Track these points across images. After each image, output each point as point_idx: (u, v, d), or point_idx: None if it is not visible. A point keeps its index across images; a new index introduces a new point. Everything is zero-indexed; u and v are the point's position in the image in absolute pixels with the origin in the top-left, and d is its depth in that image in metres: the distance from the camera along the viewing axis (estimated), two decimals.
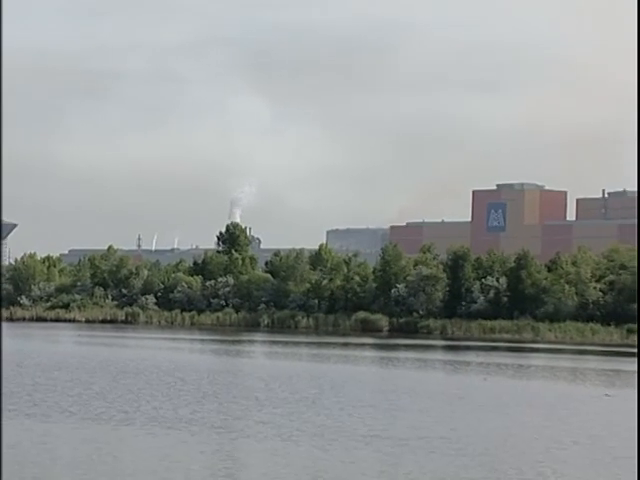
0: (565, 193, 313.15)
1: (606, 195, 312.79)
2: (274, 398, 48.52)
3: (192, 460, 30.59)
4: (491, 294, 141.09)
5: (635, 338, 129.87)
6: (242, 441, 34.83)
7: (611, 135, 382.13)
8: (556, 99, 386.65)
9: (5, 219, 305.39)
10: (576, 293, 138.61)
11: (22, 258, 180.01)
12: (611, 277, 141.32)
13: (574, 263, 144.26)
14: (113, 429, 36.39)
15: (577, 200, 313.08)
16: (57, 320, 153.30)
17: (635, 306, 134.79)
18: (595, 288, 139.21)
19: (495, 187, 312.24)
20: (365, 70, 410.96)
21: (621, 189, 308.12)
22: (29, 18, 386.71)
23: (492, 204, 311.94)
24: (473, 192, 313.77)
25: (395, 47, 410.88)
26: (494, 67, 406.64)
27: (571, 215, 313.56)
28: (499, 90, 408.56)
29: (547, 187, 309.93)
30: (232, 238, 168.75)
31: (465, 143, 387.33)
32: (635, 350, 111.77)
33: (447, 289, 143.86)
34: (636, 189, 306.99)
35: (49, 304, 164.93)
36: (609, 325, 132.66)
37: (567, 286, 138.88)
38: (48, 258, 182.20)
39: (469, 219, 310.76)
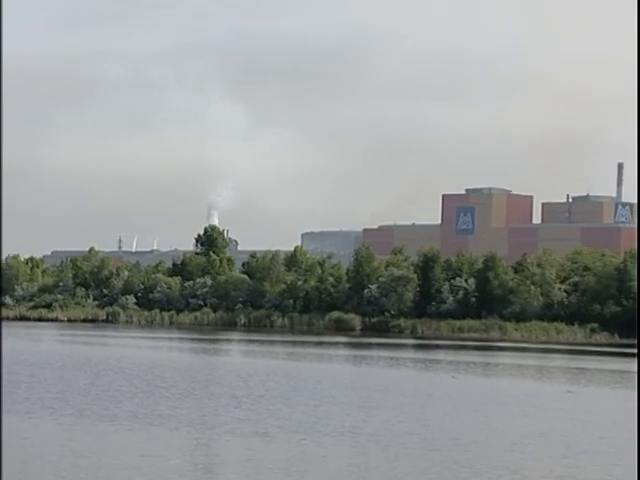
0: (531, 197, 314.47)
1: (570, 199, 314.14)
2: (251, 395, 48.44)
3: (171, 455, 30.55)
4: (460, 294, 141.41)
5: (598, 337, 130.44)
6: (220, 437, 34.78)
7: (575, 142, 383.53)
8: (523, 107, 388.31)
9: None
10: (541, 294, 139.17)
11: (6, 259, 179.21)
12: (575, 278, 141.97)
13: (539, 265, 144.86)
14: (94, 425, 36.21)
15: (542, 204, 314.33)
16: (40, 319, 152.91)
17: (598, 306, 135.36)
18: (559, 289, 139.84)
19: (464, 191, 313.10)
20: (341, 78, 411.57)
21: (584, 194, 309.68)
22: (12, 26, 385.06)
23: (461, 208, 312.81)
24: (443, 196, 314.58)
25: (371, 56, 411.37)
26: (465, 76, 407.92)
27: (537, 218, 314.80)
28: (469, 98, 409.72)
29: (514, 192, 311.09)
30: (210, 240, 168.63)
31: (436, 149, 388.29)
32: (599, 349, 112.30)
33: (417, 290, 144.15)
34: (599, 194, 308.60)
35: (32, 304, 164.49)
36: (573, 325, 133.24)
37: (533, 287, 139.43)
38: (31, 259, 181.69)
39: (439, 222, 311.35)
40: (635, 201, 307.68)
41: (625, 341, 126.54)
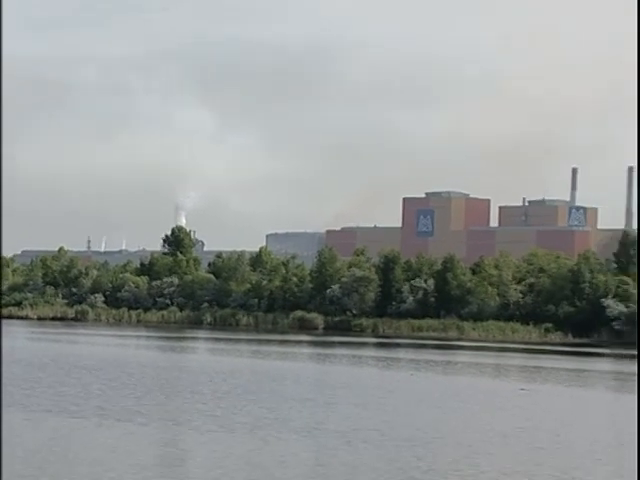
0: (488, 201, 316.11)
1: (526, 203, 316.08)
2: (217, 392, 48.30)
3: (139, 450, 30.35)
4: (419, 295, 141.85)
5: (552, 337, 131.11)
6: (187, 432, 34.62)
7: (532, 147, 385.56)
8: (483, 113, 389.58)
9: None
10: (498, 294, 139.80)
11: None
12: (530, 280, 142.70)
13: (496, 266, 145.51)
14: (64, 421, 35.96)
15: (499, 208, 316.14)
16: (10, 317, 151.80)
17: (552, 307, 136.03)
18: (515, 290, 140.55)
19: (424, 195, 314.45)
20: (307, 84, 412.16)
21: (540, 198, 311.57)
22: None
23: (421, 211, 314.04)
24: (403, 199, 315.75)
25: (336, 63, 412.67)
26: (427, 83, 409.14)
27: (494, 221, 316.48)
28: (431, 105, 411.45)
29: (472, 195, 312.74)
30: (177, 241, 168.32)
31: (397, 153, 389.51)
32: (553, 348, 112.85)
33: (378, 290, 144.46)
34: (554, 198, 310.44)
35: (2, 302, 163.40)
36: (528, 324, 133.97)
37: (490, 288, 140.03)
38: (1, 258, 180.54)
39: (399, 225, 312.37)
40: (589, 205, 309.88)
41: (578, 340, 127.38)
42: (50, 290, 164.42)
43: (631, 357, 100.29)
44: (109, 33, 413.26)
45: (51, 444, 30.86)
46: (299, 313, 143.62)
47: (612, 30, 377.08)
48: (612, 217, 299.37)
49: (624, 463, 31.38)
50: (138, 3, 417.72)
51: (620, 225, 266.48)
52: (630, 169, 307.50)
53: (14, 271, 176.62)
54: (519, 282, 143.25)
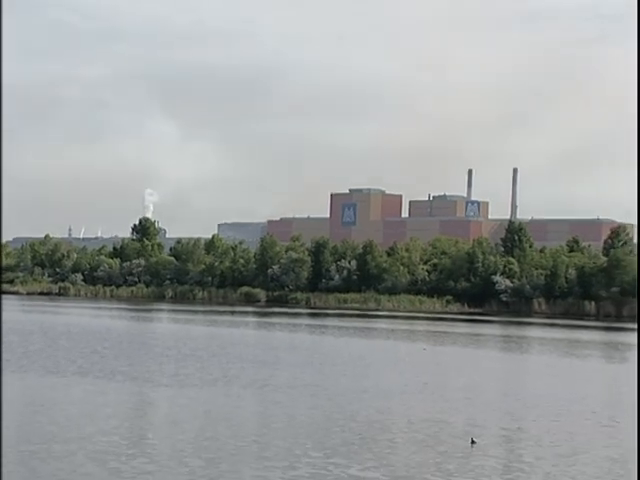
0: (401, 196, 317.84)
1: (431, 198, 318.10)
2: (178, 355, 48.13)
3: (112, 403, 30.16)
4: (344, 273, 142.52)
5: (452, 307, 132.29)
6: (153, 389, 34.42)
7: (436, 153, 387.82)
8: (398, 125, 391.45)
9: None
10: (408, 272, 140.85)
11: None
12: (434, 260, 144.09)
13: (407, 250, 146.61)
14: (48, 380, 35.57)
15: (409, 202, 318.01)
16: (3, 293, 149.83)
17: (452, 283, 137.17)
18: (422, 269, 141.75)
19: (348, 191, 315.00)
20: (253, 100, 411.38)
21: (442, 194, 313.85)
22: None
23: (346, 204, 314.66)
24: (331, 195, 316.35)
25: (275, 81, 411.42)
26: (350, 100, 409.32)
27: (405, 213, 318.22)
28: (354, 117, 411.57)
29: (387, 192, 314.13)
30: (144, 229, 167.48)
31: (327, 158, 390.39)
32: (452, 316, 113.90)
33: (311, 269, 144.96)
34: (453, 194, 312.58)
35: None
36: (433, 297, 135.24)
37: (401, 267, 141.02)
38: (1, 246, 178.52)
39: (328, 216, 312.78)
40: (482, 200, 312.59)
41: (473, 310, 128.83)
42: (38, 270, 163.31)
43: (516, 323, 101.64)
44: (90, 58, 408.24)
45: (39, 400, 30.53)
46: (245, 289, 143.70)
47: (502, 62, 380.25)
48: (500, 209, 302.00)
49: (494, 399, 31.77)
50: (114, 33, 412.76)
51: (506, 216, 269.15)
52: (514, 170, 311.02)
53: (7, 254, 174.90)
54: (425, 263, 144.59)
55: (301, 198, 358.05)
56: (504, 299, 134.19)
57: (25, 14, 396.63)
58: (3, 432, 23.46)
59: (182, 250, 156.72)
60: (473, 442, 24.31)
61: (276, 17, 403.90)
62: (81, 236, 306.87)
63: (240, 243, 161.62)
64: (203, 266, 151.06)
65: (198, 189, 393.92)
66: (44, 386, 33.75)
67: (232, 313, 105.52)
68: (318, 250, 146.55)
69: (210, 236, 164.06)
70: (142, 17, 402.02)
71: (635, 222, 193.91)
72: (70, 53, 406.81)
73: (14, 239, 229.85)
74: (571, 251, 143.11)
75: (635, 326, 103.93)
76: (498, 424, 28.19)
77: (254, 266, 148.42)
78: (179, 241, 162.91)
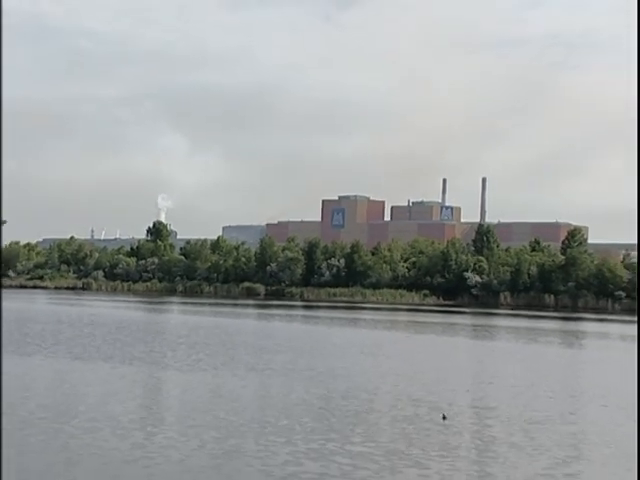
0: (384, 202, 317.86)
1: (410, 204, 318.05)
2: (189, 342, 48.21)
3: (131, 386, 30.26)
4: (334, 270, 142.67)
5: (429, 300, 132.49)
6: (167, 372, 34.50)
7: (415, 163, 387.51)
8: (380, 139, 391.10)
9: None
10: (390, 269, 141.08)
11: (9, 244, 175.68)
12: (413, 259, 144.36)
13: (389, 249, 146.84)
14: (75, 365, 35.65)
15: (391, 207, 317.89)
16: (34, 287, 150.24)
17: (428, 278, 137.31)
18: (403, 266, 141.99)
19: (337, 198, 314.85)
20: (255, 116, 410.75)
21: (420, 200, 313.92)
22: (13, 76, 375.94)
23: (335, 209, 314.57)
24: (322, 201, 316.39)
25: (273, 100, 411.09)
26: (343, 115, 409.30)
27: (387, 217, 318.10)
28: (343, 132, 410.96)
29: (372, 198, 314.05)
30: (157, 231, 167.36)
31: (320, 168, 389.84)
32: (429, 308, 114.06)
33: (304, 267, 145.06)
34: (430, 200, 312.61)
35: (29, 276, 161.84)
36: (412, 291, 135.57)
37: (384, 265, 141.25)
38: (28, 244, 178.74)
39: (319, 219, 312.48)
40: (455, 205, 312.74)
41: (447, 302, 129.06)
42: (64, 267, 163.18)
43: (484, 314, 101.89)
44: (105, 79, 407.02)
45: (64, 381, 30.63)
46: (247, 284, 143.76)
47: (474, 83, 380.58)
48: (471, 214, 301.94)
49: (465, 380, 31.95)
50: (126, 57, 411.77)
51: (476, 219, 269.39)
52: (483, 179, 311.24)
53: (37, 253, 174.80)
54: (405, 261, 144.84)
55: (296, 204, 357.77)
56: (474, 293, 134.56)
57: (48, 41, 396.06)
58: (38, 411, 23.55)
59: (191, 250, 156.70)
60: (444, 418, 24.57)
61: (272, 42, 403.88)
62: (102, 237, 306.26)
63: (242, 244, 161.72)
64: (209, 264, 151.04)
65: (205, 195, 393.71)
66: (72, 370, 33.83)
67: (235, 305, 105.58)
68: (311, 250, 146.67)
69: (216, 237, 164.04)
70: (151, 42, 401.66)
71: (589, 225, 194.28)
72: (88, 75, 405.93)
73: (43, 240, 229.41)
74: (533, 250, 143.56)
75: (590, 316, 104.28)
76: (467, 402, 28.38)
77: (254, 264, 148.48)
78: (188, 242, 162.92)
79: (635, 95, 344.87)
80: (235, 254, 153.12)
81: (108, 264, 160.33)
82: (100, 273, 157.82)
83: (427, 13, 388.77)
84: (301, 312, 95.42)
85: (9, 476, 15.55)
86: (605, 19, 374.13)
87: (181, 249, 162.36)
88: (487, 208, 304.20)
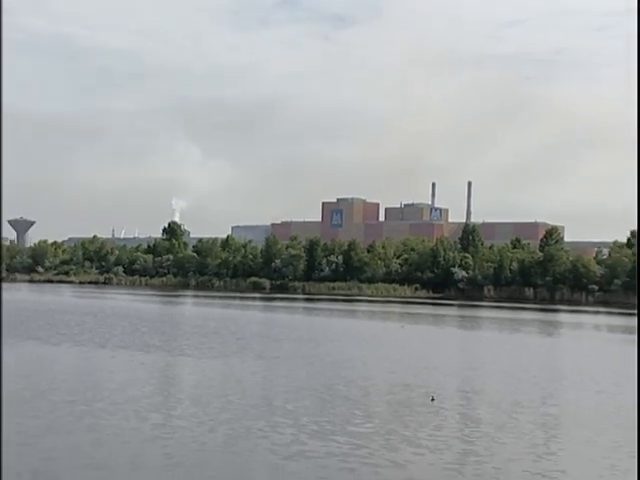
0: (378, 204, 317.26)
1: (402, 205, 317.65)
2: (201, 332, 48.19)
3: (149, 371, 30.24)
4: (333, 266, 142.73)
5: (419, 293, 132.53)
6: (182, 359, 34.49)
7: (407, 167, 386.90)
8: (375, 145, 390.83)
9: (28, 217, 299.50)
10: (384, 265, 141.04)
11: (39, 242, 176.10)
12: (405, 256, 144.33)
13: (383, 247, 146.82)
14: (97, 352, 35.63)
15: (385, 208, 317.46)
16: (61, 282, 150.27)
17: (419, 273, 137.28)
18: (396, 262, 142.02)
19: (336, 200, 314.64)
20: (260, 125, 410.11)
21: (412, 202, 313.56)
22: (44, 91, 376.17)
23: (334, 210, 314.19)
24: (322, 203, 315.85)
25: (277, 109, 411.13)
26: (338, 124, 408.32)
27: (382, 217, 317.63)
28: (342, 138, 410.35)
29: (368, 200, 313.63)
30: (172, 230, 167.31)
31: (320, 172, 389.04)
32: (420, 300, 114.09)
33: (306, 263, 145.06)
34: (420, 202, 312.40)
35: (56, 271, 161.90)
36: (404, 285, 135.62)
37: (379, 261, 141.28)
38: (55, 242, 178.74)
39: (320, 220, 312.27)
40: (443, 206, 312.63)
41: (436, 295, 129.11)
42: (87, 264, 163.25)
43: (470, 306, 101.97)
44: (129, 94, 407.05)
45: (84, 367, 30.62)
46: (253, 279, 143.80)
47: (461, 95, 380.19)
48: (458, 214, 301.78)
49: (452, 366, 31.94)
50: (145, 74, 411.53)
51: (463, 220, 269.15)
52: (469, 183, 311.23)
53: (63, 251, 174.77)
54: (398, 257, 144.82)
55: (298, 205, 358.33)
56: (461, 286, 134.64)
57: (78, 61, 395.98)
58: (66, 395, 23.54)
59: (203, 247, 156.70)
60: (433, 399, 24.62)
61: (275, 58, 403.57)
62: (122, 236, 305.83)
63: (249, 242, 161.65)
64: (220, 260, 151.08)
65: (216, 198, 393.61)
66: (96, 357, 33.81)
67: (243, 298, 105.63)
68: (312, 247, 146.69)
69: (225, 236, 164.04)
70: (167, 60, 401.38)
71: (565, 225, 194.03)
72: (113, 90, 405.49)
73: (69, 239, 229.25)
74: (514, 248, 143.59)
75: (566, 307, 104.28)
76: (454, 386, 28.39)
77: (260, 260, 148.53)
78: (200, 240, 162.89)
79: (603, 107, 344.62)
80: (243, 251, 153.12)
81: (127, 261, 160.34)
82: (120, 269, 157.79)
83: (416, 33, 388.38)
84: (303, 304, 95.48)
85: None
86: (573, 38, 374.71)
87: (194, 247, 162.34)
88: (472, 209, 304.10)
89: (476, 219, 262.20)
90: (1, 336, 37.30)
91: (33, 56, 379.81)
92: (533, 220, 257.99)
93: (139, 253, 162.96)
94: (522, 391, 27.68)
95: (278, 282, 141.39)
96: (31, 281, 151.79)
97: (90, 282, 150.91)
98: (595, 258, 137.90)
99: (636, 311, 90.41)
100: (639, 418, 21.21)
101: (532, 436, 20.08)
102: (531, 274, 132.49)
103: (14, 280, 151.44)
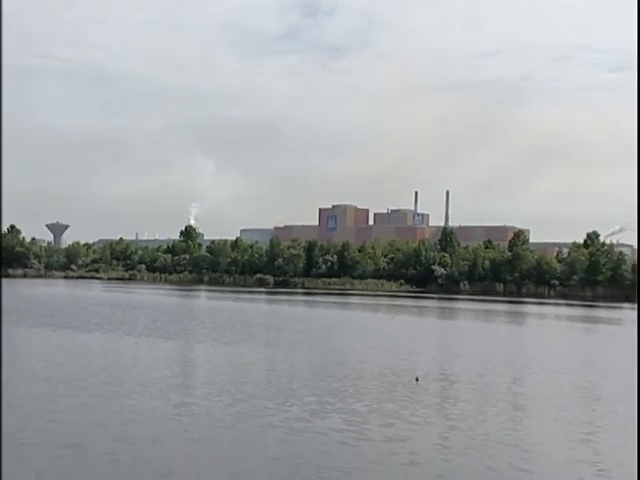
0: (368, 210, 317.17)
1: (389, 211, 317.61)
2: (214, 322, 48.00)
3: (169, 356, 30.06)
4: (329, 264, 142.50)
5: (404, 288, 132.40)
6: (197, 346, 34.32)
7: (393, 179, 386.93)
8: (367, 159, 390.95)
9: (63, 221, 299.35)
10: (373, 264, 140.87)
11: (72, 244, 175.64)
12: (392, 255, 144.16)
13: (372, 248, 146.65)
14: (124, 339, 35.41)
15: (374, 214, 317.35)
16: (92, 278, 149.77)
17: (404, 270, 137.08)
18: (383, 261, 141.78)
19: (331, 206, 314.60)
20: (264, 141, 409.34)
21: (397, 208, 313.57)
22: (71, 108, 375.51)
23: (330, 215, 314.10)
24: (319, 209, 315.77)
25: (280, 127, 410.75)
26: (334, 140, 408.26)
27: (371, 222, 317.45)
28: (338, 153, 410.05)
29: (359, 206, 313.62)
30: (188, 233, 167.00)
31: (318, 183, 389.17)
32: (405, 294, 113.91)
33: (305, 261, 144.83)
34: (405, 208, 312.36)
35: (87, 269, 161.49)
36: (390, 281, 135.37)
37: (369, 260, 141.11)
38: (86, 244, 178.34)
39: (317, 224, 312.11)
40: (425, 212, 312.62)
41: (418, 289, 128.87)
42: (114, 262, 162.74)
43: (448, 299, 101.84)
44: (150, 113, 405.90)
45: (108, 352, 30.39)
46: (259, 275, 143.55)
47: (439, 115, 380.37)
48: (437, 219, 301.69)
49: (433, 351, 31.77)
50: (166, 95, 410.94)
51: (442, 224, 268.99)
52: (447, 191, 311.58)
53: (94, 251, 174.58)
54: (385, 257, 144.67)
55: (299, 211, 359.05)
56: (440, 282, 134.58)
57: (105, 85, 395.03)
58: (96, 378, 23.35)
59: (215, 248, 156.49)
60: (417, 380, 24.51)
61: (279, 83, 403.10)
62: (144, 238, 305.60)
63: (256, 243, 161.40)
64: (230, 259, 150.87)
65: (227, 205, 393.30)
66: (123, 344, 33.64)
67: (250, 293, 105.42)
68: (310, 248, 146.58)
69: (234, 238, 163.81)
70: (183, 83, 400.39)
71: (530, 228, 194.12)
72: (136, 110, 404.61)
73: (99, 240, 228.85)
74: (486, 248, 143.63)
75: (532, 300, 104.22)
76: (436, 369, 28.26)
77: (265, 259, 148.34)
78: (213, 242, 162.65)
79: (562, 128, 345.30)
80: (250, 251, 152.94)
81: (149, 259, 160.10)
82: (143, 267, 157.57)
83: (404, 62, 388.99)
84: (303, 298, 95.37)
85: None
86: (538, 67, 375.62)
87: (207, 247, 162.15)
88: (450, 214, 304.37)
89: (453, 223, 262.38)
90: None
91: (65, 81, 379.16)
92: (503, 224, 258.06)
93: (159, 253, 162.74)
94: (496, 373, 27.58)
95: (281, 278, 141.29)
96: (66, 277, 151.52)
97: (117, 278, 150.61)
98: (556, 257, 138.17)
99: (603, 303, 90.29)
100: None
101: (506, 412, 19.96)
102: (501, 271, 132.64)
103: (51, 276, 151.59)
